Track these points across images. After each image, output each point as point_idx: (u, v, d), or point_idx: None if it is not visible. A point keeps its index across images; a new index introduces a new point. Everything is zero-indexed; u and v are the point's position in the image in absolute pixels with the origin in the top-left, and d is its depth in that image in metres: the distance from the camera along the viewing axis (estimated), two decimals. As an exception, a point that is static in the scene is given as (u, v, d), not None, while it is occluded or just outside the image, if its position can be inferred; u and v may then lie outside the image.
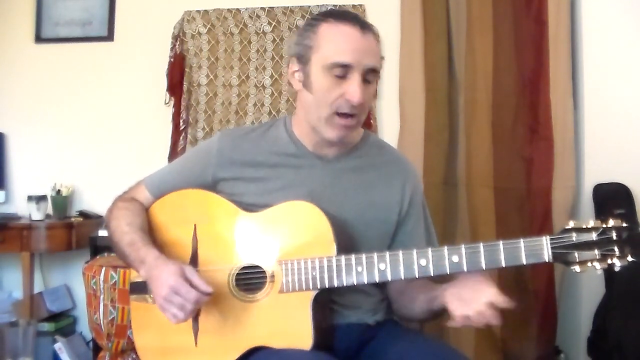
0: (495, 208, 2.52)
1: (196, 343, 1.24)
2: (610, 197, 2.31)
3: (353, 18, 1.24)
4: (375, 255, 1.15)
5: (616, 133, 2.40)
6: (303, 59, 1.26)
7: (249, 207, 1.29)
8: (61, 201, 2.79)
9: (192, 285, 1.15)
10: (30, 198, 2.70)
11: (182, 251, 1.30)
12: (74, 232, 2.65)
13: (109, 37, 2.96)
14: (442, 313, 1.20)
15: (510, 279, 2.45)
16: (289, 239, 1.23)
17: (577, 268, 1.05)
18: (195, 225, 1.30)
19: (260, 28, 2.82)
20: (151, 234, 1.33)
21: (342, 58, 1.20)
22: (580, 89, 2.49)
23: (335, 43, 1.21)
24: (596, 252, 1.04)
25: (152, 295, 1.22)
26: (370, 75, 1.23)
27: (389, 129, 2.66)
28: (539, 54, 2.51)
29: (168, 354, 1.28)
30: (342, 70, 1.20)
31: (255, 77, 2.81)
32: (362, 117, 1.26)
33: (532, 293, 2.44)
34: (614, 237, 1.04)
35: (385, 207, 1.33)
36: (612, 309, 2.14)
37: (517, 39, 2.55)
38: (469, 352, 2.41)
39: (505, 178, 2.52)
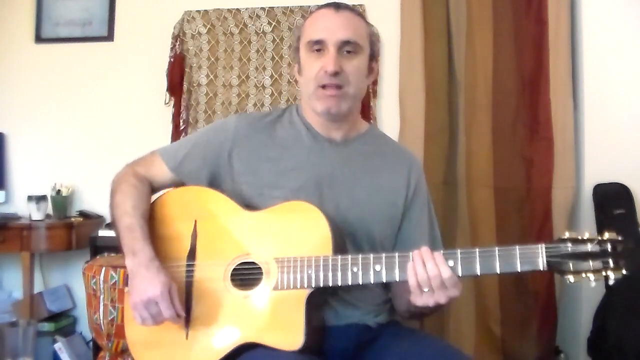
0: (495, 208, 2.52)
1: (187, 336, 1.24)
2: (610, 197, 2.31)
3: (331, 3, 1.34)
4: (371, 257, 1.16)
5: (616, 133, 2.40)
6: (296, 50, 1.39)
7: (263, 188, 1.31)
8: (61, 201, 2.79)
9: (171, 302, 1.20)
10: (30, 198, 2.70)
11: (181, 245, 1.30)
12: (74, 232, 2.65)
13: (109, 37, 2.96)
14: (419, 314, 1.24)
15: (511, 279, 2.45)
16: (286, 238, 1.24)
17: (571, 278, 1.05)
18: (195, 220, 1.31)
19: (260, 28, 2.82)
20: (153, 226, 1.34)
21: (315, 35, 1.31)
22: (580, 89, 2.48)
23: (311, 25, 1.34)
24: (591, 263, 1.04)
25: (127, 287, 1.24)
26: (348, 47, 1.30)
27: (389, 129, 2.65)
28: (539, 54, 2.51)
29: (158, 346, 1.27)
30: (318, 46, 1.30)
31: (255, 77, 2.81)
32: (349, 89, 1.31)
33: (532, 293, 2.44)
34: (609, 250, 1.04)
35: (392, 191, 1.37)
36: (612, 309, 2.14)
37: (517, 39, 2.55)
38: (469, 352, 2.41)
39: (505, 178, 2.52)
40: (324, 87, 1.30)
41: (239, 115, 1.45)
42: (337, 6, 1.33)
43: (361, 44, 1.32)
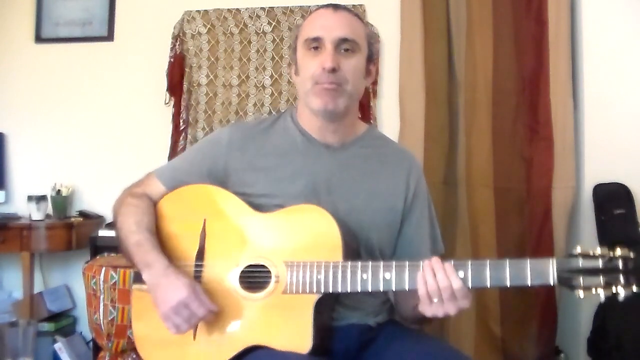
0: (495, 208, 2.51)
1: (194, 337, 1.24)
2: (610, 197, 2.31)
3: (330, 4, 1.34)
4: (381, 264, 1.16)
5: (616, 133, 2.40)
6: (294, 51, 1.38)
7: (260, 198, 1.30)
8: (61, 201, 2.79)
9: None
10: (30, 198, 2.70)
11: (190, 244, 1.30)
12: (74, 232, 2.65)
13: (109, 37, 2.96)
14: (423, 320, 1.23)
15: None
16: (297, 242, 1.23)
17: (580, 293, 1.04)
18: (205, 219, 1.30)
19: (260, 28, 2.82)
20: (161, 224, 1.33)
21: (313, 33, 1.30)
22: (580, 89, 2.48)
23: (309, 24, 1.34)
24: (601, 279, 1.03)
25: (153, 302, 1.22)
26: (346, 45, 1.29)
27: (389, 129, 2.65)
28: (539, 54, 2.51)
29: (165, 345, 1.27)
30: (315, 43, 1.29)
31: (255, 77, 2.81)
32: (346, 87, 1.29)
33: (532, 293, 2.44)
34: (620, 266, 1.03)
35: (391, 195, 1.35)
36: (612, 309, 2.14)
37: (517, 39, 2.55)
38: (469, 352, 2.41)
39: (505, 178, 2.52)
40: (320, 83, 1.28)
41: (231, 126, 1.44)
42: (336, 7, 1.33)
43: (359, 42, 1.31)
